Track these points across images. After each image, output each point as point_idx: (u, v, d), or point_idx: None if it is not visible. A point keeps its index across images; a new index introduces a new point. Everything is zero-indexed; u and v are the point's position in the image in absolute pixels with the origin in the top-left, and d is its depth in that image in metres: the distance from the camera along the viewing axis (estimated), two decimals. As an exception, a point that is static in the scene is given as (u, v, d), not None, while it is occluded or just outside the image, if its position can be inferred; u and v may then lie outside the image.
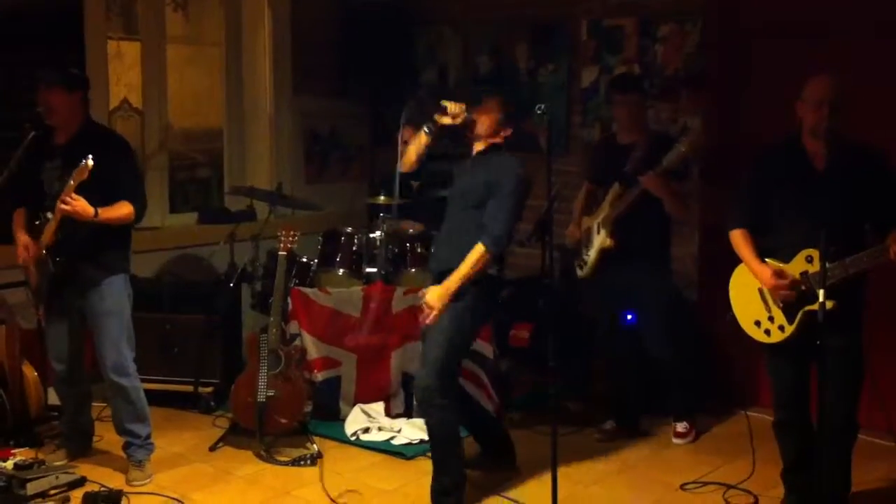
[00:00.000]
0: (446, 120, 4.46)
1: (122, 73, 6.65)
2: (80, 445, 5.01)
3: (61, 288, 4.64)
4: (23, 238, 4.66)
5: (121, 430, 4.80)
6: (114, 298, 4.66)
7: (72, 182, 4.31)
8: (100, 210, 4.43)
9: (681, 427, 5.33)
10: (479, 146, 4.49)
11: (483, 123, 4.44)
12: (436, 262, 4.57)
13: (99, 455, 5.01)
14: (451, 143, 4.63)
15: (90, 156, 4.26)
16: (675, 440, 5.31)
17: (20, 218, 4.75)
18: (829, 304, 3.62)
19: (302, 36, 6.97)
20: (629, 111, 5.07)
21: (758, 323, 4.07)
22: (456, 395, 4.44)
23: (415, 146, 4.56)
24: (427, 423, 4.44)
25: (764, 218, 4.07)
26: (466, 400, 4.90)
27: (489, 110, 4.45)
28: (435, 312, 4.29)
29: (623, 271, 5.05)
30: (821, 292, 3.60)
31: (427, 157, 4.58)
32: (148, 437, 4.82)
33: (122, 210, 4.53)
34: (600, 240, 5.03)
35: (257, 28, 6.93)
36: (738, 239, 4.12)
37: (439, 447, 4.40)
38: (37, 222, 4.61)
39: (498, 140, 4.47)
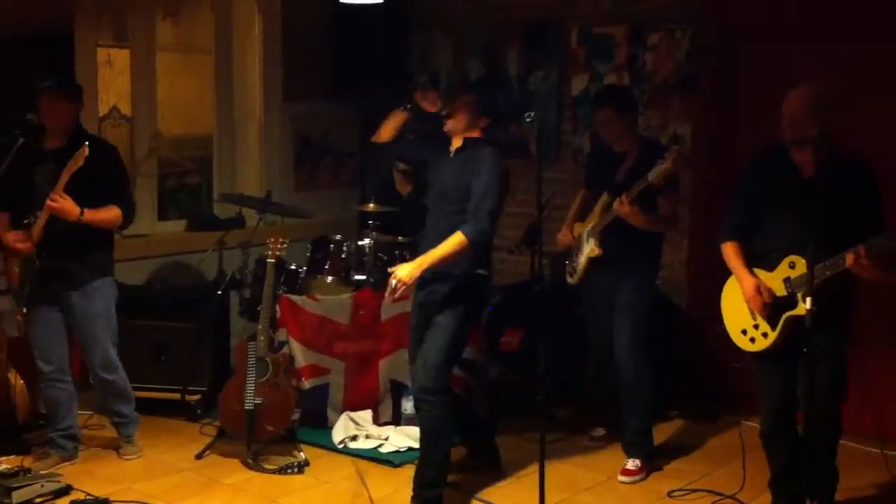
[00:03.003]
0: (422, 100, 4.59)
1: (111, 79, 6.65)
2: (68, 450, 5.00)
3: (46, 287, 4.70)
4: (13, 233, 4.71)
5: (107, 411, 5.11)
6: (102, 302, 4.81)
7: (65, 172, 4.45)
8: (86, 211, 4.56)
9: (631, 465, 4.91)
10: (456, 142, 4.50)
11: (458, 116, 4.46)
12: None
13: (85, 463, 4.99)
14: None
15: (87, 143, 4.45)
16: (620, 478, 4.86)
17: (4, 221, 4.80)
18: (806, 307, 3.62)
19: (292, 42, 6.97)
20: (607, 127, 5.05)
21: (744, 331, 4.09)
22: (450, 394, 4.45)
23: (391, 120, 4.69)
24: (419, 417, 4.45)
25: (754, 224, 4.10)
26: (458, 404, 4.90)
27: (465, 103, 4.49)
28: (404, 288, 4.21)
29: (606, 278, 5.03)
30: (808, 300, 3.58)
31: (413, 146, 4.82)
32: (132, 411, 5.09)
33: (109, 213, 4.68)
34: (589, 248, 5.03)
35: (247, 34, 6.92)
36: (729, 251, 4.14)
37: (428, 441, 4.39)
38: (25, 221, 4.68)
39: (475, 133, 4.48)
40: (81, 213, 4.56)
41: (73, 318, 4.82)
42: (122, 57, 6.63)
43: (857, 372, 4.21)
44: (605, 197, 4.97)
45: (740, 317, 4.10)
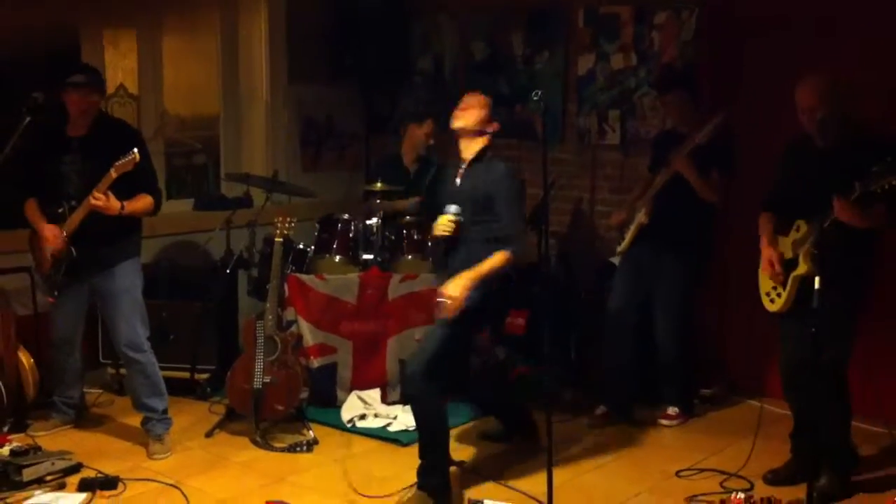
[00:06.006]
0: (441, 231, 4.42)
1: (118, 58, 6.62)
2: (69, 415, 5.17)
3: (76, 271, 4.80)
4: (49, 228, 4.77)
5: (138, 406, 4.96)
6: (127, 278, 4.87)
7: (113, 173, 4.53)
8: (126, 204, 4.67)
9: (671, 410, 5.39)
10: (466, 154, 4.45)
11: (467, 123, 4.40)
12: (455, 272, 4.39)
13: (95, 441, 5.02)
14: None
15: (135, 149, 4.55)
16: (661, 421, 5.36)
17: (34, 208, 4.88)
18: (802, 269, 4.13)
19: (298, 24, 6.96)
20: (676, 109, 5.31)
21: (768, 294, 4.41)
22: (444, 384, 4.35)
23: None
24: (412, 408, 4.45)
25: (785, 197, 4.39)
26: (482, 385, 4.99)
27: (472, 106, 4.42)
28: (453, 304, 4.19)
29: (651, 252, 5.24)
30: (816, 280, 3.79)
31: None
32: (165, 411, 4.97)
33: (144, 203, 4.79)
34: (639, 217, 5.23)
35: (253, 16, 6.91)
36: (762, 221, 4.47)
37: (423, 431, 4.39)
38: (59, 210, 4.76)
39: (485, 143, 4.44)
40: (122, 207, 4.64)
41: (99, 298, 4.91)
42: (128, 37, 6.61)
43: (859, 350, 4.33)
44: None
45: (767, 281, 4.41)
